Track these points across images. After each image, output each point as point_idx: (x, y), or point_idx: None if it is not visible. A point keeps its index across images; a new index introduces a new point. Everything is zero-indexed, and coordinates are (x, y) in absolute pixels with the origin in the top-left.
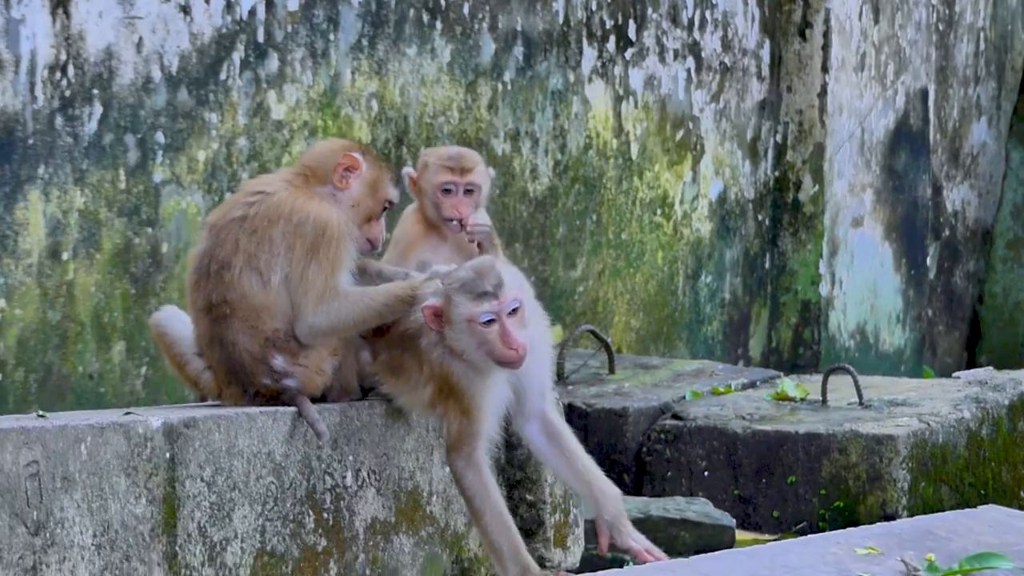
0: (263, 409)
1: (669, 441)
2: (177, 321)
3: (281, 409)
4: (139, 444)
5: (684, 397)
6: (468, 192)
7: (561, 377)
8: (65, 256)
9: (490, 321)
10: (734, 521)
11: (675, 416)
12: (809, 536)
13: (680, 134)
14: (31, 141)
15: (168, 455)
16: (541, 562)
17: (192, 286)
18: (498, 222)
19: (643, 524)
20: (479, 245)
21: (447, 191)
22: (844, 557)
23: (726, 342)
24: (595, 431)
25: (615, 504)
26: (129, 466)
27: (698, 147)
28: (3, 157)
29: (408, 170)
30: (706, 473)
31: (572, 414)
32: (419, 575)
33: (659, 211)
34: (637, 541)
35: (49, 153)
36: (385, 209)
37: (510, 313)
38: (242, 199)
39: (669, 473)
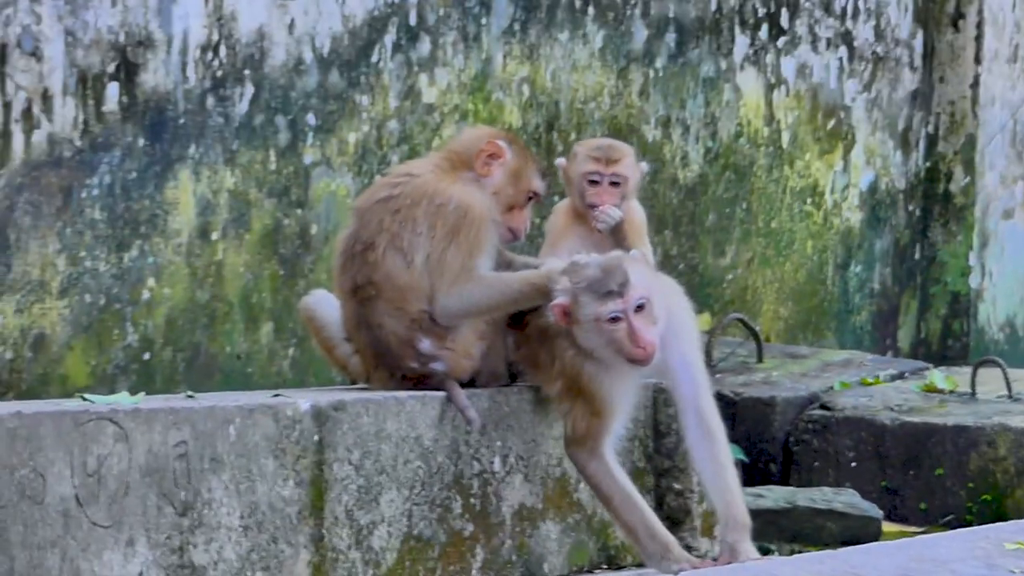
0: (412, 393)
1: (817, 431)
2: (326, 305)
3: (430, 393)
4: (288, 426)
5: (832, 387)
6: (614, 184)
7: (709, 365)
8: (214, 236)
9: (616, 319)
10: (881, 513)
11: (823, 406)
12: (958, 530)
13: (831, 123)
14: (182, 121)
15: (316, 438)
16: (688, 551)
17: (339, 269)
18: (647, 208)
19: (789, 514)
20: (621, 236)
21: (593, 181)
22: (993, 552)
23: (875, 332)
24: (743, 420)
25: (741, 531)
26: (277, 448)
27: (849, 136)
28: (154, 137)
29: (561, 161)
30: (853, 464)
31: (720, 402)
32: (565, 562)
33: (809, 200)
34: None
35: (200, 133)
36: (530, 199)
37: (636, 310)
38: (388, 181)
39: (816, 463)
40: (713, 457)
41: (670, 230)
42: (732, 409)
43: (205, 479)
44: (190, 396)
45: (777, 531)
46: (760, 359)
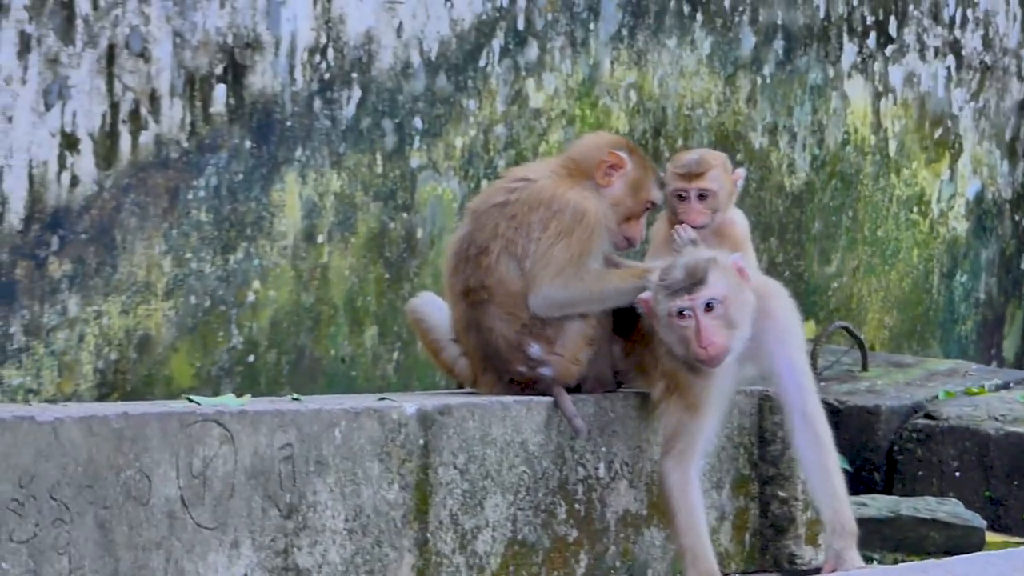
0: (517, 398)
1: (921, 440)
2: (433, 307)
3: (536, 399)
4: (393, 430)
5: (937, 396)
6: (702, 197)
7: (814, 373)
8: (320, 239)
9: (684, 315)
10: (985, 523)
11: (927, 415)
12: None
13: (939, 132)
14: (289, 123)
15: (422, 441)
16: (791, 559)
17: (451, 271)
18: (753, 216)
19: (893, 523)
20: (718, 246)
21: (681, 197)
22: None
23: (980, 342)
24: (847, 428)
25: (848, 538)
26: (383, 451)
27: (956, 145)
28: (261, 138)
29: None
30: (957, 473)
31: (825, 410)
32: (668, 569)
33: (916, 209)
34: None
35: (307, 135)
36: (647, 210)
37: (706, 309)
38: (504, 185)
39: (920, 472)
40: (820, 463)
41: (776, 237)
42: (836, 417)
43: (310, 482)
44: (295, 399)
45: (880, 540)
46: (865, 367)
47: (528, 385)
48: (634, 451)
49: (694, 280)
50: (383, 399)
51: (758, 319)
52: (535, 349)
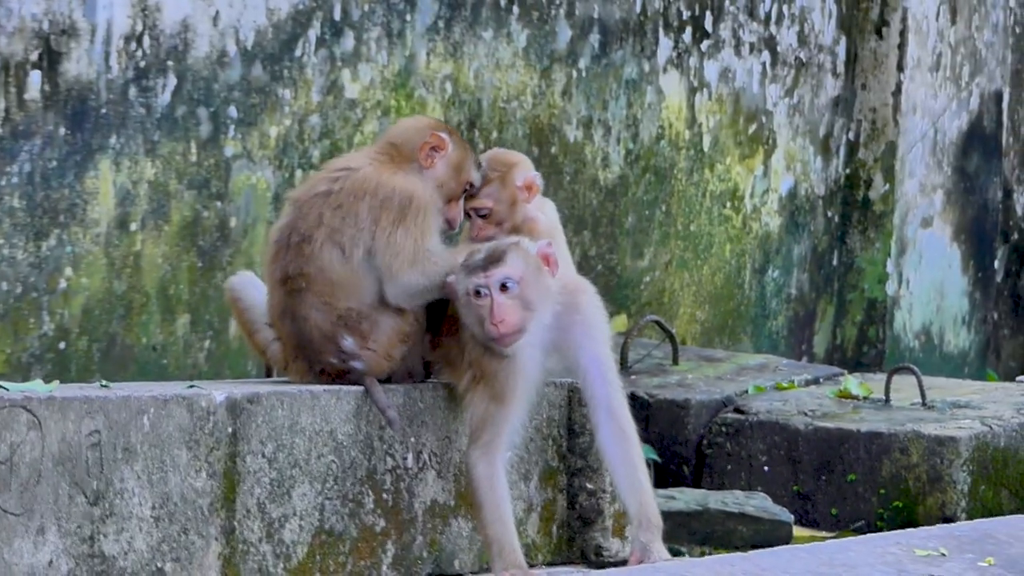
0: (327, 387)
1: (730, 435)
2: (252, 288)
3: (345, 388)
4: (202, 418)
5: (747, 391)
6: (481, 216)
7: (624, 366)
8: (133, 227)
9: (480, 294)
10: (792, 517)
11: (737, 410)
12: (869, 535)
13: (753, 128)
14: (104, 111)
15: (230, 430)
16: (598, 551)
17: (271, 258)
18: (567, 209)
19: (700, 517)
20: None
21: (467, 215)
22: (903, 557)
23: (791, 338)
24: (656, 422)
25: (653, 531)
26: (191, 439)
27: (770, 141)
28: (76, 126)
29: None
30: (766, 468)
31: (634, 404)
32: (475, 560)
33: (729, 204)
34: None
35: (121, 123)
36: (465, 191)
37: (501, 288)
38: (327, 175)
39: (729, 467)
40: (625, 456)
41: (589, 231)
42: (646, 411)
43: (118, 469)
44: (104, 385)
45: (688, 533)
46: (676, 361)
47: (338, 376)
48: (443, 441)
49: (491, 260)
50: (192, 387)
51: (565, 313)
52: (348, 342)
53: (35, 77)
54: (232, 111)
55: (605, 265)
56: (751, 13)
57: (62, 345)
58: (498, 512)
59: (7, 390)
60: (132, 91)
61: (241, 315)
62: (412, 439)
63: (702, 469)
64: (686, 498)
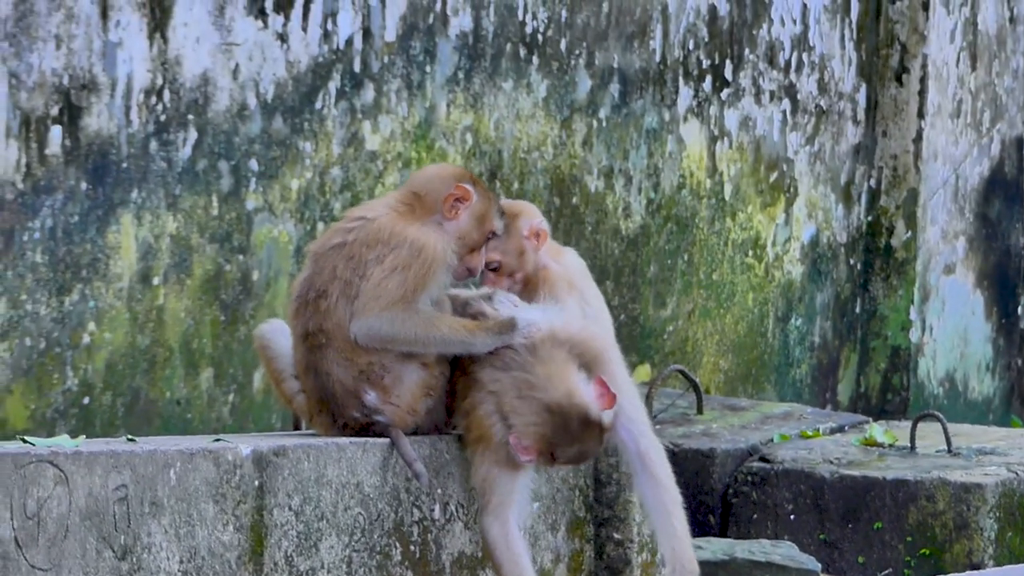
0: (353, 440)
1: (756, 483)
2: (281, 336)
3: (371, 440)
4: (228, 471)
5: (772, 440)
6: (492, 269)
7: (649, 416)
8: (156, 281)
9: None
10: (819, 566)
11: (762, 459)
12: None
13: (774, 176)
14: (125, 165)
15: (257, 483)
16: None
17: (293, 313)
18: (589, 259)
19: (727, 566)
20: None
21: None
22: None
23: (815, 386)
24: (682, 471)
25: None
26: (218, 493)
27: (792, 189)
28: (97, 180)
29: None
30: (792, 517)
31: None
32: None
33: (751, 252)
34: None
35: (143, 177)
36: (488, 240)
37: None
38: (343, 226)
39: (755, 515)
40: (659, 503)
41: (611, 281)
42: (671, 460)
43: (145, 523)
44: (131, 440)
45: None
46: (700, 411)
47: (362, 429)
48: (470, 493)
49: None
50: (218, 440)
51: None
52: (371, 397)
53: (56, 132)
54: (253, 164)
55: (628, 315)
56: (771, 61)
57: (86, 400)
58: (519, 570)
59: (34, 445)
60: (153, 145)
61: (270, 364)
62: (439, 490)
63: (728, 518)
64: (713, 548)
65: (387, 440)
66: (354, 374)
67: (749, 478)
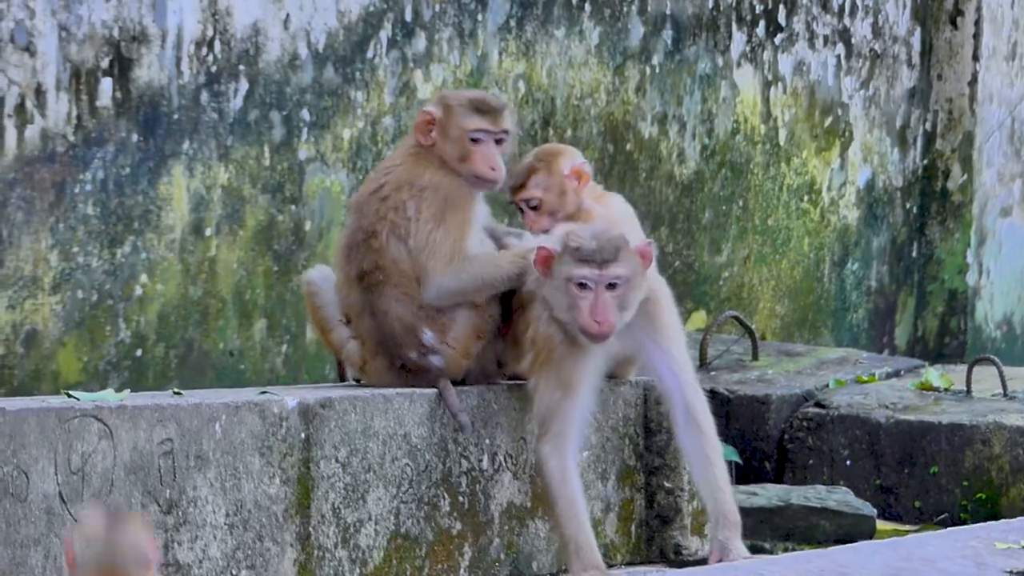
0: (400, 391)
1: (811, 429)
2: (329, 283)
3: (418, 391)
4: (274, 424)
5: (827, 385)
6: (533, 208)
7: (704, 363)
8: (208, 232)
9: (585, 287)
10: (875, 511)
11: (818, 404)
12: (949, 528)
13: (829, 121)
14: (176, 116)
15: (303, 435)
16: (678, 549)
17: (343, 258)
18: (643, 205)
19: (783, 512)
20: None
21: (519, 208)
22: (982, 550)
23: (871, 330)
24: (737, 418)
25: (731, 528)
26: (264, 446)
27: (847, 134)
28: (148, 131)
29: None
30: (848, 462)
31: (714, 400)
32: (553, 561)
33: (806, 197)
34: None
35: (194, 128)
36: (476, 140)
37: (609, 287)
38: (376, 175)
39: (811, 461)
40: (703, 454)
41: (666, 227)
42: (726, 407)
43: (190, 477)
44: (177, 393)
45: (771, 529)
46: (755, 357)
47: (417, 372)
48: (518, 443)
49: (605, 256)
50: (264, 393)
51: (639, 311)
52: (428, 336)
53: (106, 84)
54: (305, 114)
55: (683, 261)
56: (824, 6)
57: (139, 352)
58: (573, 509)
59: (78, 400)
60: (204, 96)
61: (316, 311)
62: (487, 441)
63: (784, 464)
64: (768, 494)
65: (435, 391)
66: (413, 310)
67: (804, 424)
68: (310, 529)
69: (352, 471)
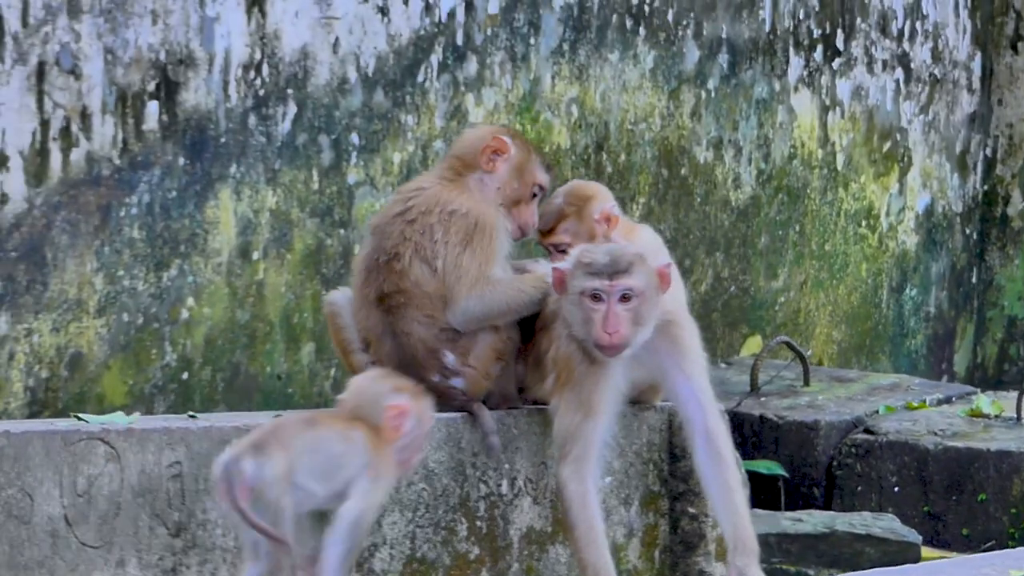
0: None
1: (860, 455)
2: (351, 305)
3: (436, 415)
4: None
5: (877, 411)
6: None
7: (755, 388)
8: (255, 256)
9: (598, 298)
10: (920, 538)
11: (867, 430)
12: (964, 556)
13: (887, 146)
14: (223, 140)
15: None
16: (701, 575)
17: (362, 282)
18: (698, 230)
19: (827, 539)
20: None
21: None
22: None
23: (930, 356)
24: (786, 443)
25: (749, 555)
26: None
27: (906, 159)
28: (195, 155)
29: None
30: (896, 489)
31: (763, 426)
32: None
33: (864, 223)
34: None
35: (241, 152)
36: (535, 196)
37: (621, 299)
38: (400, 198)
39: (859, 488)
40: (721, 480)
41: (721, 252)
42: (775, 432)
43: (200, 500)
44: (192, 416)
45: (816, 556)
46: (807, 382)
47: (438, 395)
48: (538, 468)
49: (617, 268)
50: (279, 416)
51: (659, 336)
52: (450, 358)
53: (153, 107)
54: (354, 138)
55: (738, 286)
56: (883, 30)
57: (185, 375)
58: (592, 535)
59: (87, 422)
60: (252, 120)
61: (338, 332)
62: (507, 465)
63: (832, 491)
64: (814, 520)
65: (453, 415)
66: (435, 332)
67: (853, 450)
68: None
69: None
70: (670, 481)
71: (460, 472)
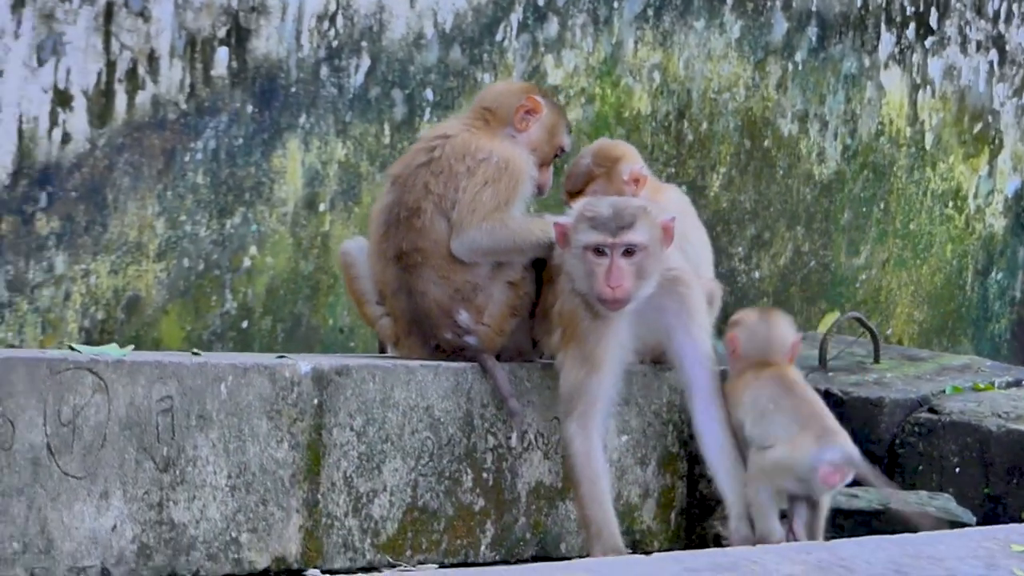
0: (424, 363)
1: (922, 434)
2: (366, 255)
3: (444, 364)
4: (285, 388)
5: (944, 391)
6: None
7: (823, 362)
8: (322, 207)
9: (601, 253)
10: (974, 519)
11: (931, 410)
12: (966, 529)
13: (978, 127)
14: (293, 89)
15: (316, 401)
16: (718, 539)
17: (380, 237)
18: (780, 203)
19: (881, 516)
20: None
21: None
22: (997, 552)
23: (1014, 341)
24: (849, 419)
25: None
26: (272, 409)
27: (996, 141)
28: (263, 103)
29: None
30: (957, 469)
31: (828, 401)
32: (583, 544)
33: (951, 203)
34: None
35: (312, 103)
36: (556, 156)
37: (624, 253)
38: (423, 146)
39: (921, 467)
40: (722, 445)
41: (803, 226)
42: (840, 408)
43: (191, 436)
44: (196, 354)
45: (868, 532)
46: (877, 359)
47: (453, 352)
48: (550, 422)
49: (621, 222)
50: (281, 357)
51: (665, 293)
52: (464, 316)
53: (222, 53)
54: (428, 94)
55: (819, 261)
56: (979, 11)
57: (244, 324)
58: (595, 491)
59: (79, 352)
60: (324, 71)
61: (352, 282)
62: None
63: (894, 469)
64: (868, 497)
65: (462, 365)
66: (450, 292)
67: (916, 429)
68: (319, 496)
69: (368, 440)
70: (690, 443)
71: (467, 423)
